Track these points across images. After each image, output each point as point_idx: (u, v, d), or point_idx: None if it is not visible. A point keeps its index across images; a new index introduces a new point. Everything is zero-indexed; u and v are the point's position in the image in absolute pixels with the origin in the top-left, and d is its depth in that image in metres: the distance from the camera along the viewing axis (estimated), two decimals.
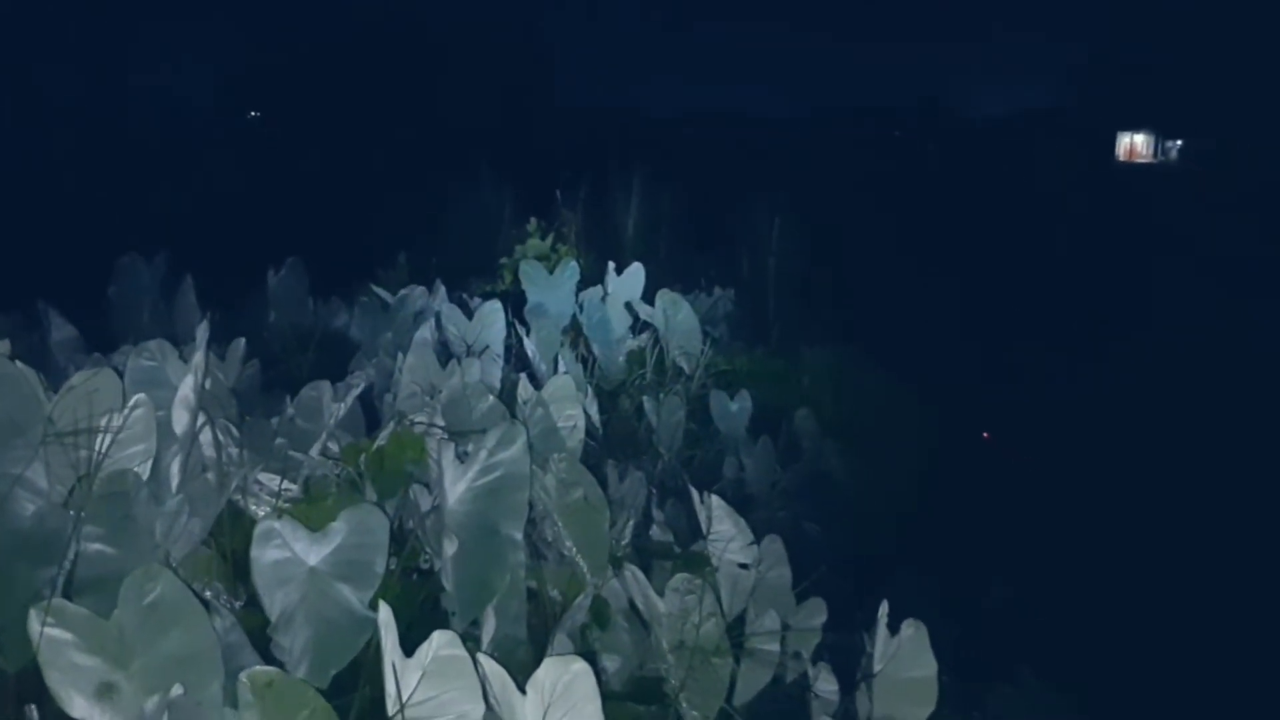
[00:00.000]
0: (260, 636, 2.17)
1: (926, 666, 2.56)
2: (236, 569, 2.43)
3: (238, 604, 2.39)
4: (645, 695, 2.55)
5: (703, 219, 8.38)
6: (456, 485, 2.30)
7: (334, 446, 2.97)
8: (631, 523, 3.19)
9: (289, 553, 2.08)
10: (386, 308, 5.11)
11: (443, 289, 5.13)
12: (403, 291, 5.15)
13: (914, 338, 5.79)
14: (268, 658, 2.11)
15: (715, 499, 2.91)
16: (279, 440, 2.95)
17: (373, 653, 2.18)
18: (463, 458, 2.36)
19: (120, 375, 2.38)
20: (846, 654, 2.93)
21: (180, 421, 2.29)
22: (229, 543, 2.46)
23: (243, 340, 3.54)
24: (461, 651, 1.84)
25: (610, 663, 2.66)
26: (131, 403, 2.23)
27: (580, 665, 1.88)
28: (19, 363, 2.25)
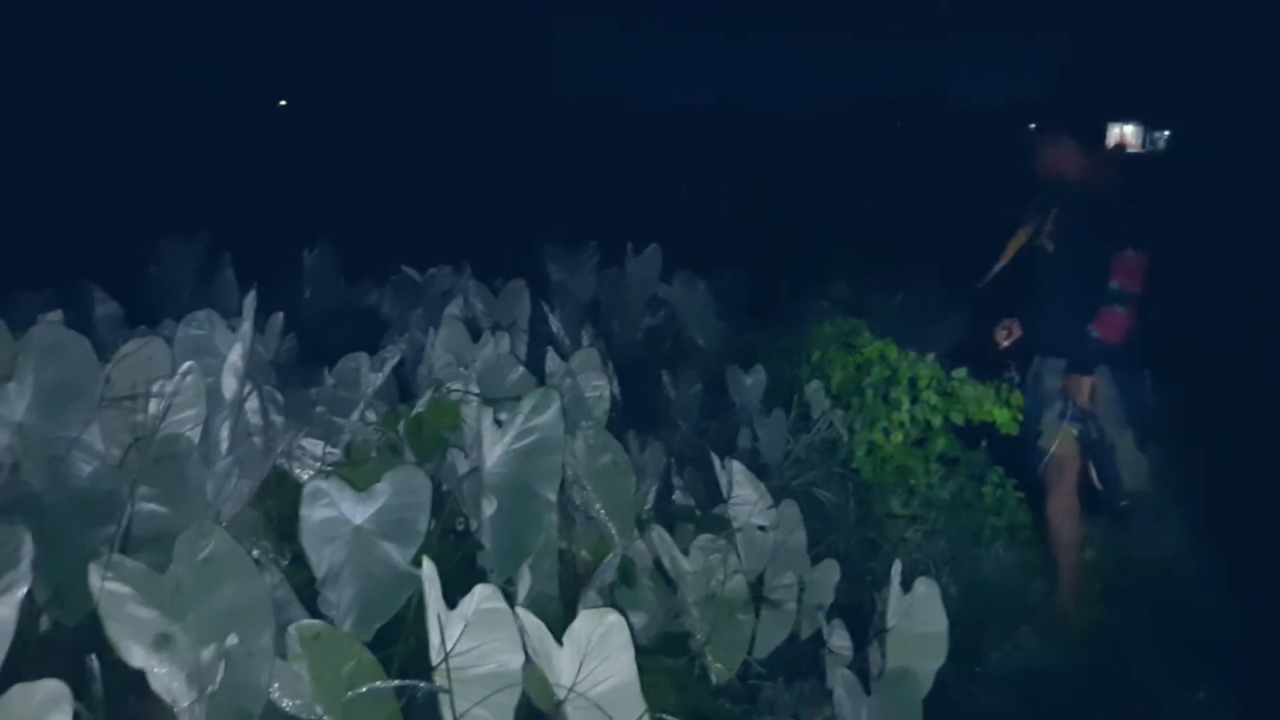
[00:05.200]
0: (305, 593, 2.17)
1: (938, 622, 2.56)
2: (281, 530, 2.44)
3: (283, 563, 2.39)
4: (671, 649, 2.56)
5: (716, 204, 8.38)
6: (494, 448, 2.30)
7: (370, 416, 2.97)
8: (654, 489, 3.20)
9: (336, 511, 2.08)
10: (416, 286, 5.11)
11: (469, 268, 5.12)
12: (431, 271, 5.16)
13: (920, 315, 5.75)
14: (313, 612, 2.11)
15: (736, 464, 2.91)
16: (318, 408, 2.95)
17: (413, 608, 2.18)
18: (499, 423, 2.36)
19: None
20: (856, 613, 2.93)
21: (229, 388, 2.29)
22: (274, 505, 2.46)
23: (281, 315, 3.55)
24: (503, 604, 1.85)
25: (636, 619, 2.66)
26: (183, 369, 2.23)
27: (615, 617, 1.88)
28: None
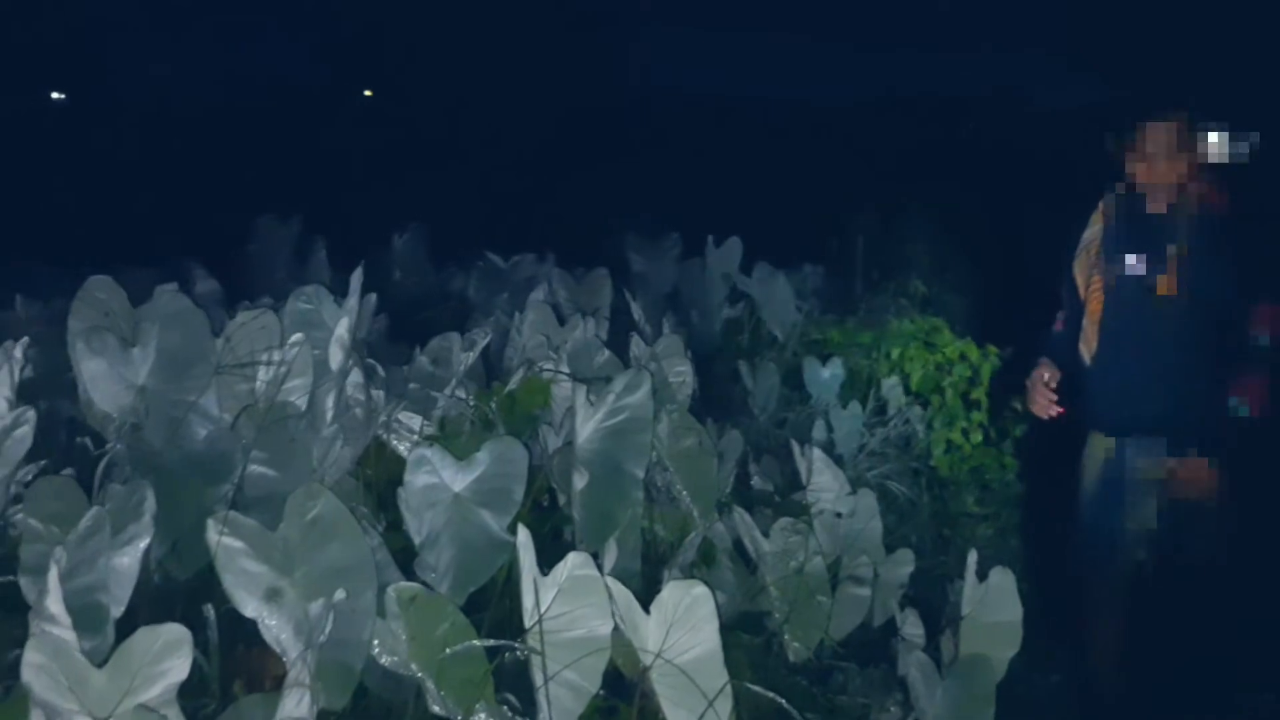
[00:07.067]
0: (400, 557, 2.26)
1: (1013, 611, 2.57)
2: (379, 497, 2.53)
3: (379, 528, 2.48)
4: (749, 628, 2.61)
5: (797, 198, 8.41)
6: (587, 425, 2.37)
7: (460, 393, 3.05)
8: (733, 475, 3.25)
9: (437, 479, 2.16)
10: (500, 272, 5.21)
11: (552, 256, 5.21)
12: (515, 258, 5.27)
13: (990, 313, 5.73)
14: (408, 576, 2.19)
15: (817, 451, 2.96)
16: (412, 385, 3.05)
17: (503, 575, 2.26)
18: (590, 402, 2.42)
19: None
20: (927, 605, 2.96)
21: (335, 359, 2.38)
22: (373, 473, 2.56)
23: (374, 295, 3.66)
24: (594, 572, 1.91)
25: (716, 599, 2.71)
26: (293, 340, 2.33)
27: (701, 589, 1.93)
28: None
